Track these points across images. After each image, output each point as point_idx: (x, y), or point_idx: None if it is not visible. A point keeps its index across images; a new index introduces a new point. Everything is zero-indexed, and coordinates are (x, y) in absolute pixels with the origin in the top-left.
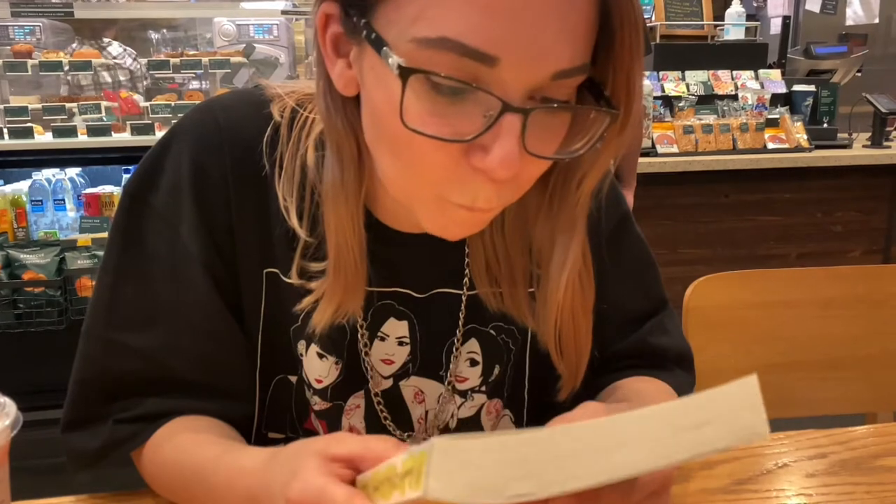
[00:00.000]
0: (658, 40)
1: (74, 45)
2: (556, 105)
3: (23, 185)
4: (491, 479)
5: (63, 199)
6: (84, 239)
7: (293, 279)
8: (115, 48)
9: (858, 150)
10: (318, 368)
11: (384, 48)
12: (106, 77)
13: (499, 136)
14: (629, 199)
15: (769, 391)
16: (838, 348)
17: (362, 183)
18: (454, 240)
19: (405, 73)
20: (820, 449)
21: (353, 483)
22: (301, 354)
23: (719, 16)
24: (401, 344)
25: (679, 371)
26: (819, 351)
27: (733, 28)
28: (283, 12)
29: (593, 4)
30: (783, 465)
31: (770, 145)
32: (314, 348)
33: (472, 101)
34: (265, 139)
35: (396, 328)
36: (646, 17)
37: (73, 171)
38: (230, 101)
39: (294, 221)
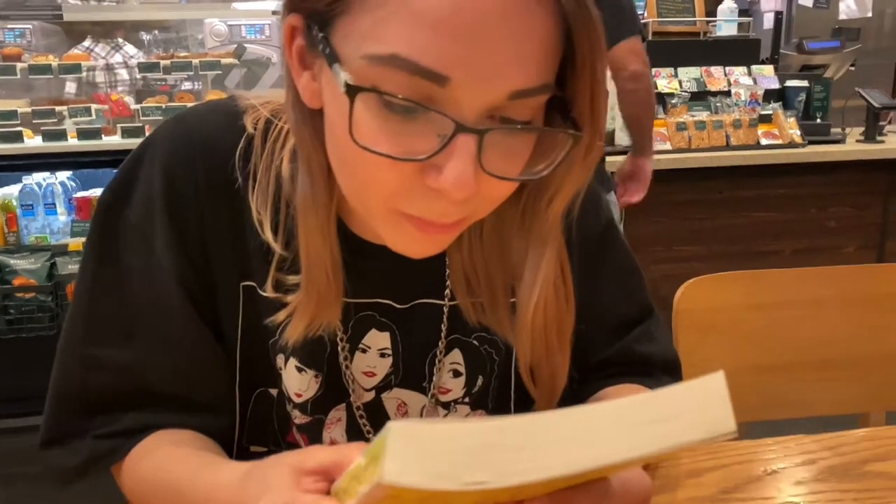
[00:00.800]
0: (650, 37)
1: (87, 44)
2: (512, 126)
3: (13, 190)
4: (448, 465)
5: (54, 204)
6: (75, 243)
7: (268, 292)
8: (131, 49)
9: (852, 146)
10: (297, 382)
11: (335, 64)
12: (123, 75)
13: (452, 156)
14: (648, 166)
15: (761, 392)
16: (831, 349)
17: (332, 195)
18: (417, 258)
19: (352, 90)
20: (809, 455)
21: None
22: (280, 368)
23: (711, 12)
24: (383, 356)
25: (666, 378)
26: (812, 352)
27: (725, 24)
28: (275, 12)
29: (552, 23)
30: (771, 472)
31: (763, 141)
32: (293, 362)
33: (425, 120)
34: (238, 151)
35: (378, 340)
36: (638, 13)
37: (63, 175)
38: (203, 113)
39: (268, 234)
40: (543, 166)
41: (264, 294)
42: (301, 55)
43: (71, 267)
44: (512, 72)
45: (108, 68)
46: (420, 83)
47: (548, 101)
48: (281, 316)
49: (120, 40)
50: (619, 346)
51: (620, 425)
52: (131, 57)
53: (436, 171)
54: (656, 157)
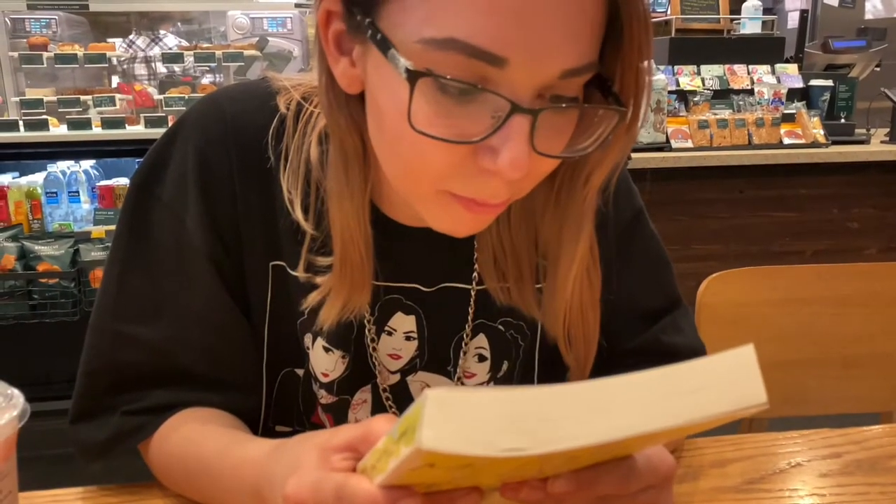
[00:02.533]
0: (673, 34)
1: (132, 37)
2: (564, 105)
3: (38, 177)
4: (484, 431)
5: (77, 191)
6: (98, 231)
7: (300, 274)
8: (171, 40)
9: (876, 146)
10: (325, 362)
11: (391, 50)
12: (161, 68)
13: (508, 137)
14: None
15: (783, 389)
16: (854, 346)
17: (367, 181)
18: (461, 237)
19: (413, 76)
20: (834, 448)
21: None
22: (307, 348)
23: (735, 9)
24: (408, 339)
25: None
26: (834, 349)
27: (750, 22)
28: (297, 5)
29: (602, 1)
30: (796, 465)
31: (786, 140)
32: (320, 342)
33: (479, 102)
34: (271, 131)
35: (404, 323)
36: (661, 10)
37: (87, 164)
38: (237, 93)
39: (299, 214)
40: (588, 143)
41: (293, 274)
42: (338, 40)
43: (94, 254)
44: (565, 50)
45: (133, 59)
46: (476, 65)
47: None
48: (313, 298)
49: (162, 32)
50: (646, 336)
51: (652, 396)
52: (170, 49)
53: (489, 152)
54: (677, 154)
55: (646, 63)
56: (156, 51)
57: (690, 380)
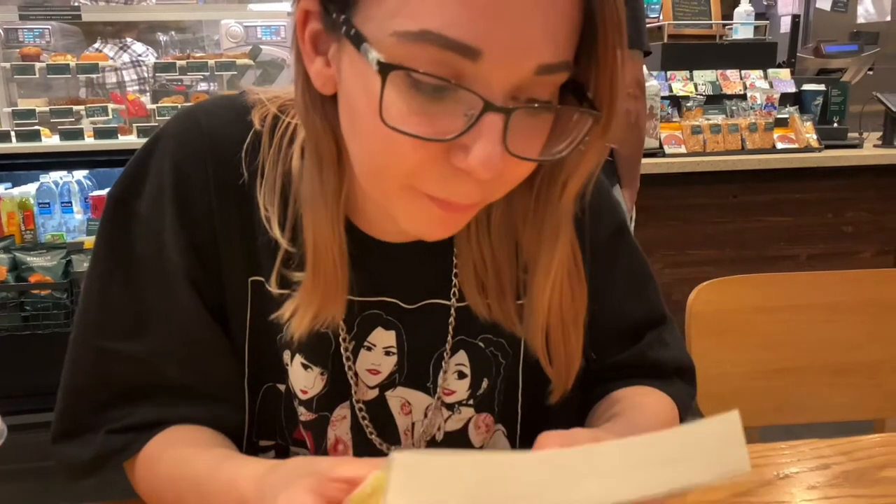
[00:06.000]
0: (666, 40)
1: (97, 45)
2: (537, 105)
3: (30, 188)
4: (453, 497)
5: (70, 202)
6: (91, 241)
7: (272, 287)
8: (139, 47)
9: (869, 150)
10: (303, 379)
11: (364, 44)
12: (140, 75)
13: (480, 136)
14: (629, 201)
15: (775, 396)
16: (846, 353)
17: (342, 186)
18: (434, 240)
19: (385, 68)
20: (823, 459)
21: None
22: (287, 364)
23: (728, 15)
24: (387, 354)
25: (679, 382)
26: (826, 356)
27: (742, 27)
28: (290, 14)
29: (577, 1)
30: (784, 476)
31: (779, 145)
32: (298, 359)
33: (453, 99)
34: (245, 147)
35: (383, 338)
36: (653, 16)
37: (80, 174)
38: (213, 107)
39: (276, 231)
40: (563, 146)
41: (272, 290)
42: (315, 40)
43: (86, 265)
44: (539, 45)
45: (126, 68)
46: (451, 58)
47: (561, 84)
48: (287, 312)
49: (129, 40)
50: (632, 352)
51: (632, 465)
52: (140, 55)
53: (462, 150)
54: (670, 160)
55: (620, 67)
56: (130, 58)
57: (674, 448)
